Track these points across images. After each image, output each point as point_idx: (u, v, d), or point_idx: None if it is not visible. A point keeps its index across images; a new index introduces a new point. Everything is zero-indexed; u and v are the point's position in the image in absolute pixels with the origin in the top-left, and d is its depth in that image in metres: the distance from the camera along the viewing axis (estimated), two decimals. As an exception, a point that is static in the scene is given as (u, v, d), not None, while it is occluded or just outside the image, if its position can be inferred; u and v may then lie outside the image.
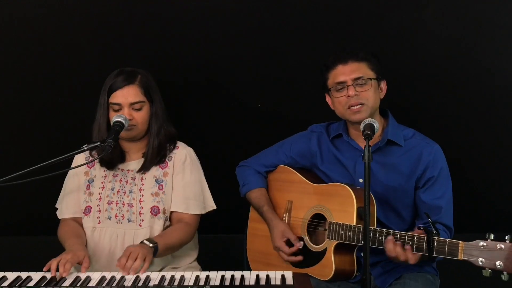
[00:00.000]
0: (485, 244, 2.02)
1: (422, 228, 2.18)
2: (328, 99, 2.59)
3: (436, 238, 2.13)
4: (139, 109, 2.51)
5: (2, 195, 2.66)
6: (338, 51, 2.54)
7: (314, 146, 2.65)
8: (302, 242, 2.51)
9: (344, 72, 2.46)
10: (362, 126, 2.29)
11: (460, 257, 2.07)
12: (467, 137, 3.07)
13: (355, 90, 2.43)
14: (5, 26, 2.93)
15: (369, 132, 2.21)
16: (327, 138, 2.64)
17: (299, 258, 2.51)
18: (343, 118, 2.54)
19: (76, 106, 3.03)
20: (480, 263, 2.02)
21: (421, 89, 3.00)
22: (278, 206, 2.68)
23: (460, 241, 2.09)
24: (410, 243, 2.20)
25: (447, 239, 2.12)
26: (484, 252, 2.02)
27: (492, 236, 2.03)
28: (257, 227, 2.73)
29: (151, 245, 2.36)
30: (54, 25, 2.94)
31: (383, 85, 2.53)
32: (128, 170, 2.59)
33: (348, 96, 2.44)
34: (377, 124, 2.27)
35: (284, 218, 2.63)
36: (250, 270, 2.71)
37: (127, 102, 2.49)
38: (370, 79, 2.45)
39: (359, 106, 2.43)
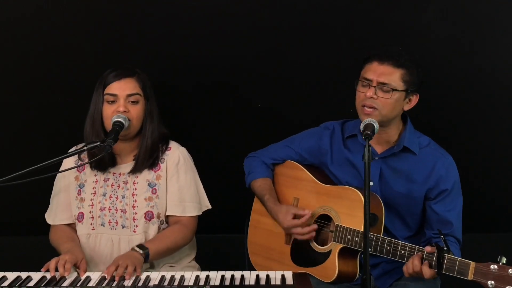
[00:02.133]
0: (496, 267, 2.03)
1: (434, 244, 2.18)
2: None
3: (446, 255, 2.13)
4: (135, 102, 2.45)
5: (2, 195, 2.66)
6: (383, 47, 2.45)
7: (326, 144, 2.61)
8: (308, 211, 2.48)
9: (375, 71, 2.39)
10: (362, 126, 2.27)
11: (470, 278, 2.08)
12: (467, 137, 3.07)
13: (375, 93, 2.37)
14: (5, 26, 2.93)
15: (369, 132, 2.20)
16: (340, 137, 2.60)
17: (314, 226, 2.48)
18: (357, 111, 2.47)
19: (76, 106, 3.01)
20: (490, 285, 2.03)
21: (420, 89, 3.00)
22: (284, 202, 2.65)
23: (471, 262, 2.09)
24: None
25: (458, 258, 2.12)
26: (495, 275, 2.02)
27: (504, 260, 2.04)
28: (259, 220, 2.72)
29: (141, 251, 2.34)
30: (54, 25, 2.93)
31: (414, 98, 2.45)
32: (120, 174, 2.52)
33: (366, 95, 2.39)
34: (377, 124, 2.25)
35: None
36: (250, 262, 2.71)
37: (124, 94, 2.43)
38: (397, 90, 2.37)
39: (371, 109, 2.38)
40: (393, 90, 2.37)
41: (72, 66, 3.01)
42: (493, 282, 2.02)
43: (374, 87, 2.38)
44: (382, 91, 2.38)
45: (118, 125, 2.38)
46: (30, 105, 3.08)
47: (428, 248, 2.20)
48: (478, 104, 3.02)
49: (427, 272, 2.17)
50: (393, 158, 2.48)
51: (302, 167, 2.65)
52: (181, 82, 3.05)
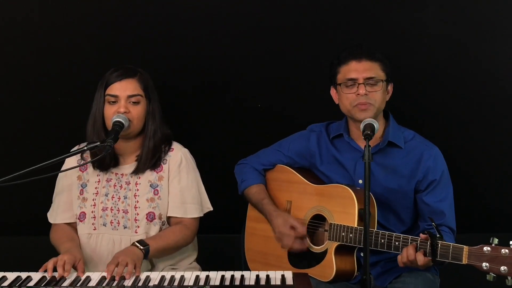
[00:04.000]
0: (489, 249, 2.03)
1: (426, 232, 2.18)
2: (333, 92, 2.57)
3: (440, 242, 2.13)
4: (136, 103, 2.45)
5: (2, 195, 2.66)
6: (353, 47, 2.50)
7: (313, 146, 2.64)
8: (306, 227, 2.49)
9: (357, 70, 2.44)
10: (362, 126, 2.29)
11: (465, 262, 2.08)
12: (467, 137, 3.07)
13: (366, 89, 2.42)
14: (5, 26, 2.93)
15: (369, 132, 2.21)
16: (326, 138, 2.63)
17: (304, 245, 2.49)
18: (347, 114, 2.52)
19: (76, 106, 3.01)
20: (485, 267, 2.03)
21: (420, 89, 3.00)
22: (277, 206, 2.66)
23: (465, 246, 2.09)
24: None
25: (451, 243, 2.12)
26: (488, 257, 2.02)
27: (496, 240, 2.04)
28: (255, 227, 2.72)
29: (141, 247, 2.34)
30: (54, 25, 2.94)
31: (390, 87, 2.52)
32: (122, 174, 2.52)
33: (358, 94, 2.42)
34: (377, 124, 2.27)
35: None
36: (248, 269, 2.71)
37: (125, 95, 2.43)
38: (382, 80, 2.44)
39: (366, 105, 2.42)
40: (382, 81, 2.44)
41: (72, 66, 3.01)
42: (487, 264, 2.02)
43: (362, 84, 2.42)
44: (370, 85, 2.43)
45: (118, 125, 2.38)
46: (30, 105, 3.08)
47: (422, 236, 2.20)
48: (478, 104, 3.02)
49: (421, 259, 2.18)
50: (380, 154, 2.49)
51: (292, 170, 2.67)
52: (180, 82, 3.05)
